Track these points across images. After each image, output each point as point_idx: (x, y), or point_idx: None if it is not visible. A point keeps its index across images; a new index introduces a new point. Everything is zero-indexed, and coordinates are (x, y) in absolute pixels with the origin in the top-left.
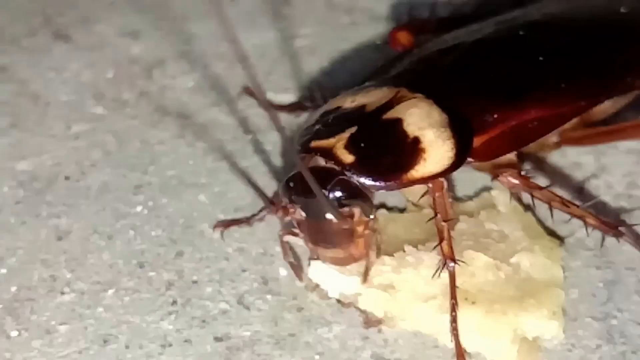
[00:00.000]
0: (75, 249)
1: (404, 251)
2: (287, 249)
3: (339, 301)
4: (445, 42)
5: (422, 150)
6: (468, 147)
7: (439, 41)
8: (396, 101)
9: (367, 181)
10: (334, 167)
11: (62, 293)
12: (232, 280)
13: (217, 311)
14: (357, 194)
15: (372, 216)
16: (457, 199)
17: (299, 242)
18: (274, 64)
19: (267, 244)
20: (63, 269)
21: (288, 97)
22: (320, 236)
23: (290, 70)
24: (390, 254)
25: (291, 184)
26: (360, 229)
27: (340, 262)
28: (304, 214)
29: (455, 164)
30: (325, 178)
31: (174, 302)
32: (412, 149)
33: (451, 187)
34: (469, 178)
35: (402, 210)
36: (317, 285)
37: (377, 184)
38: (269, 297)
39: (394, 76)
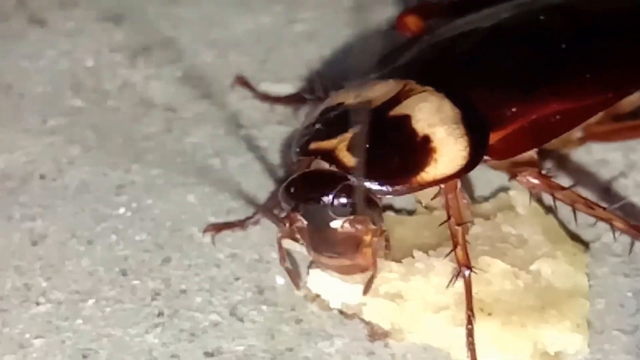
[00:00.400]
0: (51, 255)
1: (413, 257)
2: (285, 254)
3: (341, 312)
4: (458, 28)
5: (433, 150)
6: (483, 145)
7: (451, 27)
8: (404, 95)
9: (372, 186)
10: (338, 171)
11: (37, 303)
12: (223, 290)
13: (208, 323)
14: (365, 201)
15: (380, 223)
16: (471, 199)
17: (296, 248)
18: (270, 51)
19: (262, 250)
20: (38, 276)
21: (285, 88)
22: (324, 245)
23: (288, 58)
24: (398, 260)
25: (292, 189)
26: (367, 237)
27: (345, 272)
28: (305, 222)
29: (470, 164)
30: (329, 183)
31: (160, 314)
32: (422, 149)
33: (467, 187)
34: (484, 177)
35: (411, 213)
36: (317, 296)
37: (384, 188)
38: (264, 307)
39: (401, 67)
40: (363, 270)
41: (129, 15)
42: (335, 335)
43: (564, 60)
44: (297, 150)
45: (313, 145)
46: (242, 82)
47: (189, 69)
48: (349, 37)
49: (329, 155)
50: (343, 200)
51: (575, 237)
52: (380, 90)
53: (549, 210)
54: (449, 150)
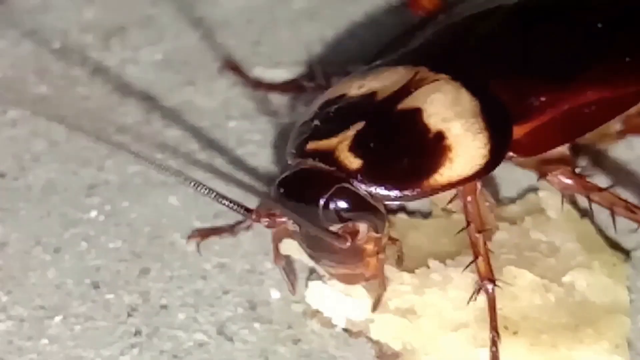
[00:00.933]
0: (12, 265)
1: (428, 267)
2: (279, 251)
3: (345, 330)
4: (478, 7)
5: (448, 148)
6: (506, 142)
7: (470, 5)
8: (414, 85)
9: (379, 191)
10: (335, 170)
11: None
12: (210, 305)
13: (192, 343)
14: (362, 206)
15: (385, 231)
16: (496, 201)
17: (295, 256)
18: (264, 32)
19: (254, 259)
20: None
21: (281, 74)
22: (320, 252)
23: (284, 39)
24: (411, 271)
25: (281, 189)
26: (370, 247)
27: (348, 281)
28: (296, 226)
29: (491, 164)
30: (323, 185)
31: (137, 332)
32: (435, 148)
33: (490, 187)
34: (510, 176)
35: (426, 216)
36: (317, 311)
37: (392, 194)
38: (257, 325)
39: (412, 51)
40: (369, 279)
41: None
42: (339, 357)
43: (600, 42)
44: (293, 151)
45: (310, 146)
46: (232, 67)
47: (170, 52)
48: (354, 15)
49: (329, 157)
50: (336, 205)
51: (614, 246)
52: (388, 80)
53: (584, 214)
54: (466, 148)
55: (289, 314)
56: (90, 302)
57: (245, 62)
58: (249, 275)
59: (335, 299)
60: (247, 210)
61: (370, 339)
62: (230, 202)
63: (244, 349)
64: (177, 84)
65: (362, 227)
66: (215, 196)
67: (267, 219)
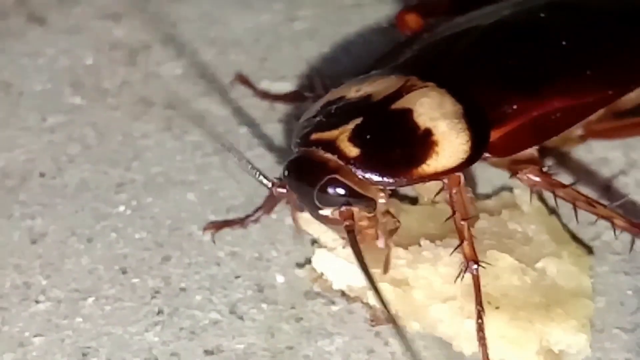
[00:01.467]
0: (51, 253)
1: (420, 245)
2: (296, 213)
3: (343, 294)
4: (458, 26)
5: (435, 143)
6: (485, 140)
7: (451, 24)
8: (405, 90)
9: (373, 176)
10: (327, 159)
11: (37, 302)
12: (223, 288)
13: (208, 321)
14: (352, 194)
15: (381, 208)
16: (475, 195)
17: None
18: (270, 49)
19: (262, 248)
20: (38, 275)
21: (285, 86)
22: (325, 223)
23: (287, 56)
24: (405, 247)
25: (286, 171)
26: (364, 223)
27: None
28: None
29: (471, 158)
30: (317, 175)
31: (160, 312)
32: (424, 142)
33: (470, 182)
34: (484, 175)
35: (414, 202)
36: (320, 275)
37: (385, 179)
38: (264, 306)
39: (402, 63)
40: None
41: (128, 13)
42: (336, 333)
43: (564, 57)
44: (298, 141)
45: (314, 136)
46: (242, 80)
47: (188, 67)
48: (349, 35)
49: (330, 146)
50: (328, 192)
51: (578, 240)
52: (382, 85)
53: (553, 211)
54: (450, 143)
55: (292, 296)
56: (118, 285)
57: (254, 76)
58: (257, 262)
59: (338, 265)
60: (269, 180)
61: (366, 304)
62: (258, 172)
63: (252, 326)
64: (195, 95)
65: (355, 209)
66: (250, 167)
67: (283, 190)
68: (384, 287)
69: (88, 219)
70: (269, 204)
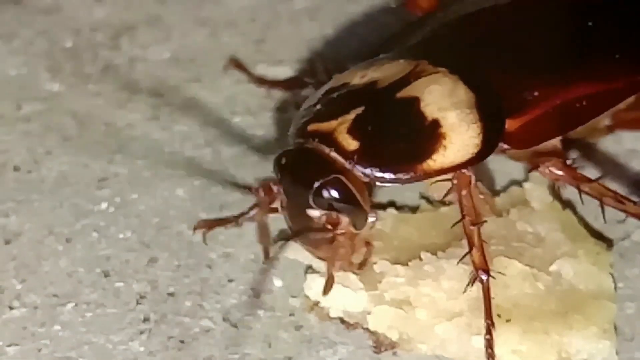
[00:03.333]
0: (26, 255)
1: (421, 259)
2: (262, 227)
3: (343, 321)
4: (474, 5)
5: (442, 136)
6: (498, 133)
7: (466, 4)
8: (414, 76)
9: (373, 172)
10: (334, 159)
11: (11, 308)
12: (216, 293)
13: (198, 330)
14: (351, 200)
15: (363, 229)
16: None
17: (298, 258)
18: (267, 30)
19: (258, 249)
20: (12, 278)
21: (284, 71)
22: (299, 229)
23: (286, 37)
24: (405, 263)
25: (283, 161)
26: (342, 239)
27: (316, 253)
28: (285, 198)
29: (482, 153)
30: (320, 170)
31: (146, 319)
32: (430, 134)
33: (485, 179)
34: (495, 169)
35: (414, 210)
36: (316, 303)
37: (386, 175)
38: (260, 312)
39: (413, 46)
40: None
41: None
42: (339, 343)
43: (591, 39)
44: (295, 132)
45: (311, 127)
46: (236, 64)
47: (177, 50)
48: (354, 14)
49: (328, 138)
50: (328, 192)
51: (596, 235)
52: (389, 71)
53: (567, 205)
54: (459, 137)
55: (292, 301)
56: (100, 289)
57: (249, 59)
58: (252, 264)
59: (333, 291)
60: (249, 188)
61: (367, 330)
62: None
63: (248, 334)
64: (184, 81)
65: (344, 219)
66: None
67: (264, 195)
68: (384, 309)
69: (67, 216)
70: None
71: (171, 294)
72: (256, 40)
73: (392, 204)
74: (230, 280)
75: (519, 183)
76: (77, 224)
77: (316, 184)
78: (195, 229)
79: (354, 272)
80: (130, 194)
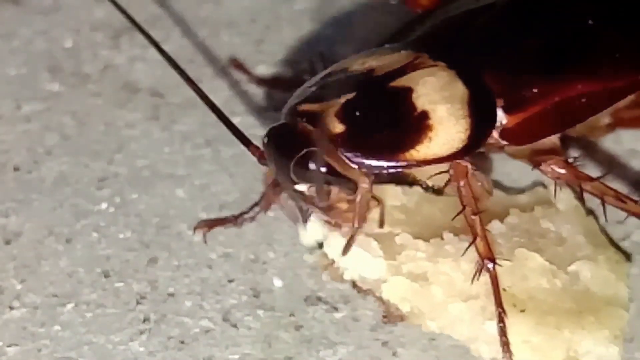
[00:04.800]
0: (26, 255)
1: (442, 238)
2: (271, 191)
3: (354, 285)
4: (474, 1)
5: (429, 128)
6: (486, 130)
7: (465, 1)
8: (411, 68)
9: (355, 157)
10: (311, 134)
11: (11, 308)
12: (216, 293)
13: (198, 330)
14: (331, 172)
15: (361, 191)
16: (505, 189)
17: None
18: (267, 30)
19: (258, 249)
20: (12, 278)
21: (284, 71)
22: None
23: (286, 38)
24: (426, 239)
25: (267, 139)
26: (342, 205)
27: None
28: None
29: (466, 149)
30: (297, 145)
31: (146, 319)
32: (417, 125)
33: (500, 176)
34: (521, 168)
35: (439, 193)
36: (332, 262)
37: (367, 161)
38: (260, 312)
39: (414, 40)
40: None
41: None
42: (339, 342)
43: (591, 37)
44: (285, 111)
45: (302, 107)
46: (237, 64)
47: (177, 50)
48: (353, 14)
49: (315, 119)
50: (306, 166)
51: (616, 246)
52: (389, 60)
53: (590, 212)
54: (446, 130)
55: (291, 301)
56: (100, 290)
57: (249, 60)
58: (252, 264)
59: (352, 254)
60: (248, 143)
61: (379, 298)
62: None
63: (248, 335)
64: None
65: (333, 188)
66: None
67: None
68: (400, 280)
69: (67, 216)
70: (266, 200)
71: (171, 294)
72: (256, 41)
73: (417, 182)
74: (230, 280)
75: (544, 184)
76: (77, 224)
77: (294, 159)
78: (195, 229)
79: (374, 239)
80: (130, 193)
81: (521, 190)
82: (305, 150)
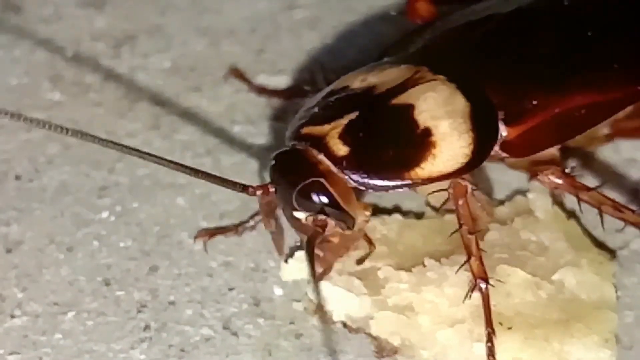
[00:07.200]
0: (27, 263)
1: (424, 265)
2: (270, 218)
3: (345, 325)
4: (474, 14)
5: (432, 144)
6: (489, 145)
7: (466, 12)
8: (411, 83)
9: (360, 179)
10: (319, 164)
11: (12, 316)
12: (216, 301)
13: (199, 338)
14: (333, 204)
15: (355, 228)
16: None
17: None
18: (267, 40)
19: (258, 257)
20: (13, 287)
21: (284, 81)
22: (294, 225)
23: (286, 47)
24: (408, 269)
25: (273, 162)
26: (334, 239)
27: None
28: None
29: (471, 164)
30: (302, 173)
31: (147, 327)
32: (421, 142)
33: (484, 188)
34: (500, 179)
35: (419, 216)
36: (319, 307)
37: (373, 182)
38: (261, 321)
39: (414, 53)
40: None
41: (111, 1)
42: (340, 351)
43: (589, 49)
44: (289, 134)
45: (305, 130)
46: (237, 73)
47: (178, 60)
48: (354, 24)
49: (319, 143)
50: (309, 196)
51: (600, 245)
52: (389, 76)
53: (571, 215)
54: (450, 146)
55: (291, 310)
56: (101, 298)
57: (249, 69)
58: (253, 273)
59: (337, 295)
60: (244, 186)
61: (369, 335)
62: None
63: (248, 343)
64: (185, 90)
65: (330, 222)
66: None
67: (261, 191)
68: (387, 314)
69: (68, 225)
70: (263, 220)
71: (172, 303)
72: (256, 50)
73: (397, 209)
74: (230, 289)
75: (523, 193)
76: (78, 232)
77: (298, 187)
78: (195, 237)
79: (357, 277)
80: (130, 202)
81: (501, 202)
82: (311, 180)
